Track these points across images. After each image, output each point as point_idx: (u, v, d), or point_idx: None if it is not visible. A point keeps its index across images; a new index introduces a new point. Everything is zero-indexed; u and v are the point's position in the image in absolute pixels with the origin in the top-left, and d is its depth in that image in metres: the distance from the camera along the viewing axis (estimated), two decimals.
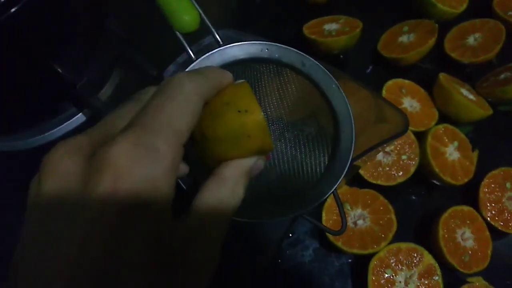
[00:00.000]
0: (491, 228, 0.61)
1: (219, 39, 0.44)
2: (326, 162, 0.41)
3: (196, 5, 0.41)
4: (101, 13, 0.46)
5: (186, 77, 0.22)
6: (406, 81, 0.71)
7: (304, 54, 0.41)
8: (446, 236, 0.59)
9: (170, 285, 0.20)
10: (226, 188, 0.23)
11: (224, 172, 0.24)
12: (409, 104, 0.69)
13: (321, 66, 0.41)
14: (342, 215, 0.40)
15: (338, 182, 0.38)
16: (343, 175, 0.39)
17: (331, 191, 0.38)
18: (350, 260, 0.62)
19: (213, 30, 0.44)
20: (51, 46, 0.39)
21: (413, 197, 0.67)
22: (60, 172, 0.19)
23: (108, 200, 0.18)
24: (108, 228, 0.18)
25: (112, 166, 0.18)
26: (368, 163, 0.64)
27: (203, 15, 0.42)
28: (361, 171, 0.64)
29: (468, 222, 0.61)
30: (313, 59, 0.41)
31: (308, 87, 0.42)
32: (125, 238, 0.18)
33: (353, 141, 0.40)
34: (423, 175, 0.65)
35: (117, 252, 0.18)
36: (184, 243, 0.21)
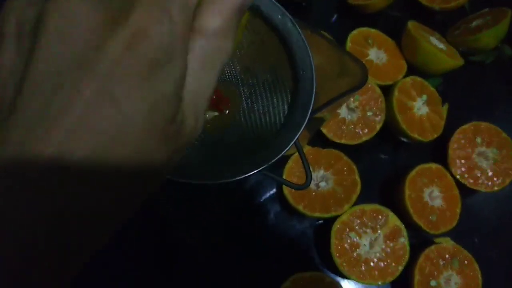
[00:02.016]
0: (460, 186, 0.58)
1: None
2: (286, 111, 0.37)
3: None
4: None
5: None
6: (373, 30, 0.65)
7: None
8: (412, 196, 0.56)
9: None
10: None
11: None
12: (375, 55, 0.64)
13: (273, 0, 0.36)
14: (306, 167, 0.36)
15: (301, 131, 0.35)
16: (305, 123, 0.35)
17: (294, 140, 0.34)
18: (313, 224, 0.59)
19: None
20: None
21: (379, 156, 0.63)
22: None
23: None
24: None
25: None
26: (331, 121, 0.59)
27: None
28: (324, 130, 0.59)
29: (436, 180, 0.58)
30: None
31: (261, 27, 0.37)
32: None
33: (314, 83, 0.35)
34: (389, 132, 0.61)
35: None
36: None
